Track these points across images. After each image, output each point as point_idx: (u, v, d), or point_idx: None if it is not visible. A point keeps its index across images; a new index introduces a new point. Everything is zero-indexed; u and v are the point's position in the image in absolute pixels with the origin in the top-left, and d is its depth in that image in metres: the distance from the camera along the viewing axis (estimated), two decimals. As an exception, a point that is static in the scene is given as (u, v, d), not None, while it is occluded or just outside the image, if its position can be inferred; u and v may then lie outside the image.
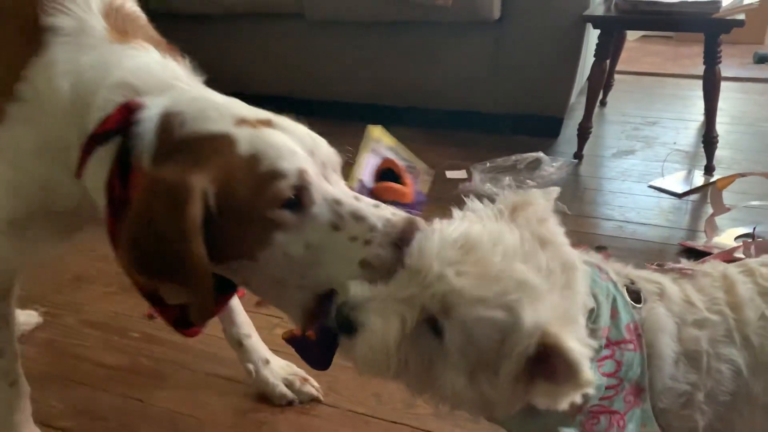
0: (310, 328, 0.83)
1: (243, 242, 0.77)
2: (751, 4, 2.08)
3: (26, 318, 1.45)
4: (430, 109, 2.66)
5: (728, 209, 1.83)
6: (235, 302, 1.23)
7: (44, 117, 0.85)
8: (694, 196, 2.05)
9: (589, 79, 2.33)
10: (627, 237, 1.81)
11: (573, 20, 2.31)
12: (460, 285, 0.63)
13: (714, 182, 1.94)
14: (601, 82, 2.33)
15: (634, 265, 0.83)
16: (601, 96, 2.84)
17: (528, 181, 2.12)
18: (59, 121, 0.84)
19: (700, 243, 1.74)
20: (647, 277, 0.79)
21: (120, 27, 0.88)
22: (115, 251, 0.83)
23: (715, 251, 1.64)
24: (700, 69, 2.16)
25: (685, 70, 3.59)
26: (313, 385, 1.25)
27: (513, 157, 2.24)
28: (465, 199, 0.76)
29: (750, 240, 1.67)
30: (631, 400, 0.72)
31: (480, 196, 0.77)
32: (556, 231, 0.72)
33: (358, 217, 0.77)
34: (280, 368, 1.26)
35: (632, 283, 0.77)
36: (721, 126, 2.23)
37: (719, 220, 1.82)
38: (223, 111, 0.80)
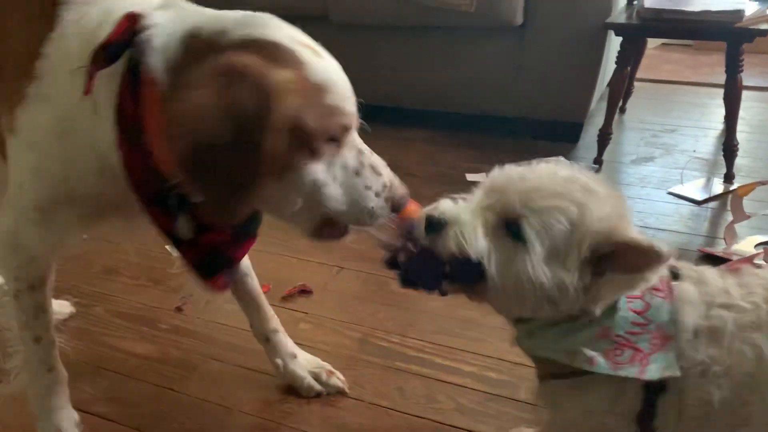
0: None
1: (279, 160, 0.77)
2: (775, 13, 2.10)
3: (59, 308, 1.49)
4: (452, 112, 2.69)
5: (748, 217, 1.84)
6: (262, 298, 1.27)
7: (59, 87, 0.85)
8: (713, 204, 2.07)
9: (609, 85, 2.35)
10: (646, 242, 1.82)
11: (595, 27, 2.33)
12: (539, 183, 0.77)
13: (734, 189, 1.95)
14: (621, 89, 2.34)
15: None
16: (620, 103, 2.85)
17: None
18: (75, 85, 0.82)
19: (719, 250, 1.75)
20: (690, 266, 0.85)
21: None
22: (156, 148, 0.80)
23: (735, 258, 1.65)
24: (720, 77, 2.17)
25: (704, 78, 3.59)
26: (339, 378, 1.28)
27: (533, 162, 2.26)
28: None
29: (769, 247, 1.68)
30: (657, 343, 0.77)
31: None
32: None
33: (375, 172, 0.87)
34: (306, 361, 1.29)
35: (674, 266, 0.83)
36: (740, 134, 2.24)
37: (739, 227, 1.83)
38: (271, 23, 0.81)
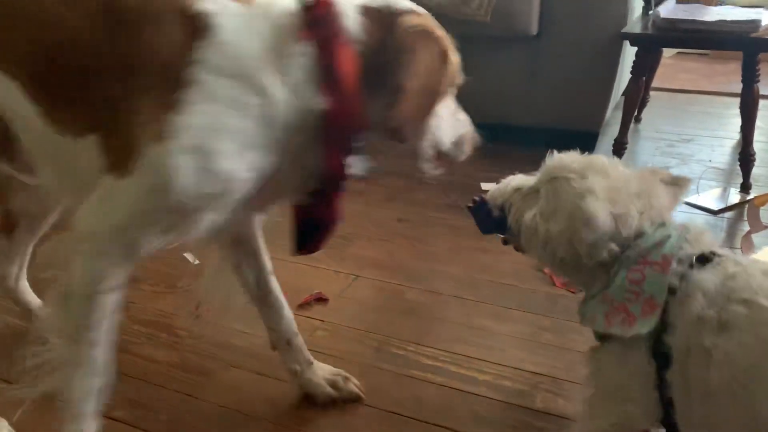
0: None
1: (444, 94, 1.08)
2: (791, 23, 2.09)
3: None
4: (466, 121, 2.70)
5: (765, 227, 1.84)
6: (283, 299, 1.29)
7: (220, 87, 0.89)
8: (729, 214, 2.06)
9: (625, 95, 2.35)
10: (662, 252, 1.82)
11: (610, 37, 2.33)
12: (563, 163, 1.01)
13: (751, 199, 1.95)
14: (637, 99, 2.35)
15: None
16: (636, 112, 2.85)
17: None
18: (251, 71, 0.90)
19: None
20: (738, 260, 0.89)
21: None
22: (353, 98, 0.95)
23: None
24: (736, 86, 2.17)
25: (720, 88, 3.58)
26: (355, 384, 1.29)
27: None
28: None
29: (787, 258, 1.68)
30: (646, 309, 0.88)
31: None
32: None
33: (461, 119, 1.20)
34: (321, 369, 1.31)
35: (715, 255, 0.90)
36: (757, 144, 2.24)
37: (756, 237, 1.82)
38: None
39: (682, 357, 0.85)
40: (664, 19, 2.20)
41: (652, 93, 3.11)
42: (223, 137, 0.89)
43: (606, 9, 2.36)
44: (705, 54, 4.34)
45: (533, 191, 1.02)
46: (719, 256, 0.89)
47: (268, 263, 1.28)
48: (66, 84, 0.94)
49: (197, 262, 1.80)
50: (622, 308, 0.90)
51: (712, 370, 0.81)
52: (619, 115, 2.35)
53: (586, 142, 2.57)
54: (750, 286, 0.83)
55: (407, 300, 1.61)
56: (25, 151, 1.05)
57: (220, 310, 1.48)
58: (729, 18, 2.11)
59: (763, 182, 2.28)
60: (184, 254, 1.80)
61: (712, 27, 2.11)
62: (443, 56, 1.02)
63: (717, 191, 2.21)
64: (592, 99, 2.48)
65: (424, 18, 1.04)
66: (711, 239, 0.96)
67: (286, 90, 0.92)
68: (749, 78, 2.10)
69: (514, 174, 1.09)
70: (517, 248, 1.08)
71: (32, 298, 1.46)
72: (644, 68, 2.29)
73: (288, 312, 1.29)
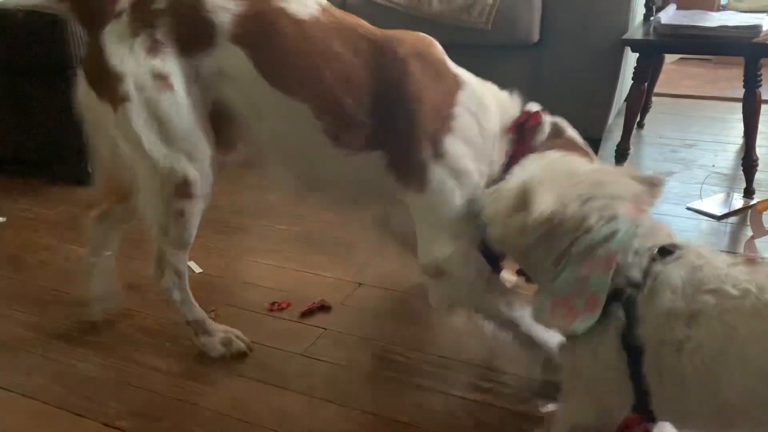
0: None
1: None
2: (793, 28, 2.09)
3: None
4: (469, 128, 2.71)
5: (768, 232, 1.83)
6: None
7: (471, 124, 1.23)
8: (732, 219, 2.06)
9: (627, 101, 2.36)
10: (665, 258, 1.82)
11: (612, 43, 2.34)
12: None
13: (754, 205, 1.95)
14: (639, 105, 2.35)
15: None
16: (638, 118, 2.85)
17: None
18: (489, 122, 1.25)
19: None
20: (698, 251, 0.90)
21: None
22: None
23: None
24: (739, 91, 2.17)
25: (724, 93, 3.58)
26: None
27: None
28: None
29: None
30: (589, 306, 0.91)
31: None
32: None
33: None
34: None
35: (675, 247, 0.91)
36: (760, 149, 2.24)
37: (759, 242, 1.82)
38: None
39: (655, 348, 0.87)
40: (665, 25, 2.20)
41: (655, 98, 3.11)
42: (469, 158, 1.23)
43: (607, 15, 2.36)
44: (708, 59, 4.34)
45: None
46: (680, 248, 0.91)
47: None
48: (351, 108, 1.21)
49: (200, 270, 1.81)
50: (565, 303, 0.93)
51: (683, 359, 0.83)
52: (622, 121, 2.36)
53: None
54: (717, 276, 0.85)
55: (410, 308, 1.61)
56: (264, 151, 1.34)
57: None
58: (730, 24, 2.11)
59: (766, 187, 2.28)
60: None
61: (714, 33, 2.11)
62: None
63: (720, 196, 2.21)
64: (595, 105, 2.48)
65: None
66: (668, 232, 0.97)
67: (494, 151, 1.26)
68: (751, 83, 2.10)
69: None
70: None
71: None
72: (646, 74, 2.30)
73: None
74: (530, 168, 1.04)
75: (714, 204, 2.14)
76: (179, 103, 1.20)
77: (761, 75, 2.09)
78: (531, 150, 1.23)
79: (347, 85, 1.20)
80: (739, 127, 2.31)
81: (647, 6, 2.61)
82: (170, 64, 1.20)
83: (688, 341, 0.83)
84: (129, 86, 1.19)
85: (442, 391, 1.32)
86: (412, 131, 1.20)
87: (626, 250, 0.91)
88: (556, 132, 1.31)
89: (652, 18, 2.52)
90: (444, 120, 1.20)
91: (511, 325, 1.28)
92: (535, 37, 2.42)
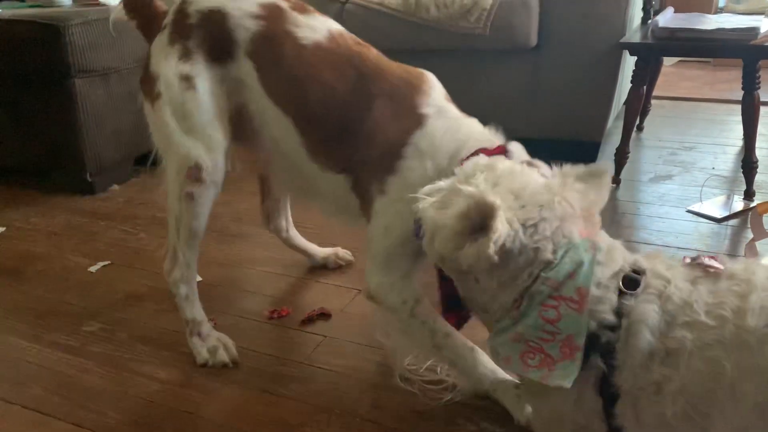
0: None
1: None
2: (790, 30, 2.09)
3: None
4: (468, 133, 2.71)
5: (769, 234, 1.83)
6: None
7: (420, 168, 1.25)
8: (733, 221, 2.05)
9: (626, 104, 2.36)
10: (666, 261, 1.82)
11: (610, 47, 2.34)
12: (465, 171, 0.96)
13: (754, 207, 1.94)
14: (638, 108, 2.35)
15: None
16: (638, 121, 2.85)
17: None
18: (440, 161, 1.24)
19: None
20: (658, 272, 0.84)
21: (449, 99, 1.37)
22: None
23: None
24: (738, 94, 2.17)
25: (723, 95, 3.58)
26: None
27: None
28: None
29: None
30: (566, 351, 0.82)
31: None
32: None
33: None
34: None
35: (636, 272, 0.84)
36: (760, 151, 2.23)
37: (760, 245, 1.81)
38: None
39: (632, 393, 0.81)
40: (662, 28, 2.20)
41: (654, 101, 3.11)
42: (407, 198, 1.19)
43: (605, 19, 2.36)
44: (707, 61, 4.35)
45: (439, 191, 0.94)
46: (641, 272, 0.84)
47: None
48: (322, 130, 1.33)
49: (200, 278, 1.80)
50: (538, 349, 0.83)
51: (665, 401, 0.78)
52: (621, 124, 2.35)
53: (589, 152, 2.57)
54: (687, 304, 0.79)
55: (410, 314, 1.60)
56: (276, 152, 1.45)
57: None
58: (727, 26, 2.11)
59: (766, 189, 2.28)
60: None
61: (711, 35, 2.11)
62: None
63: (720, 199, 2.20)
64: (594, 109, 2.48)
65: None
66: (622, 251, 0.90)
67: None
68: (749, 85, 2.10)
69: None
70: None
71: (303, 241, 1.87)
72: (644, 77, 2.30)
73: None
74: (477, 180, 0.90)
75: (714, 207, 2.14)
76: (200, 101, 1.37)
77: (760, 77, 2.09)
78: None
79: (323, 108, 1.32)
80: (739, 129, 2.31)
81: (645, 9, 2.61)
82: (197, 69, 1.37)
83: (667, 382, 0.77)
84: (161, 85, 1.38)
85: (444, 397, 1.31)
86: (364, 164, 1.31)
87: (591, 283, 0.83)
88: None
89: (649, 21, 2.52)
90: (392, 158, 1.26)
91: (442, 355, 1.29)
92: (533, 41, 2.42)
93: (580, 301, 0.82)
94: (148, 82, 1.43)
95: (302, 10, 1.40)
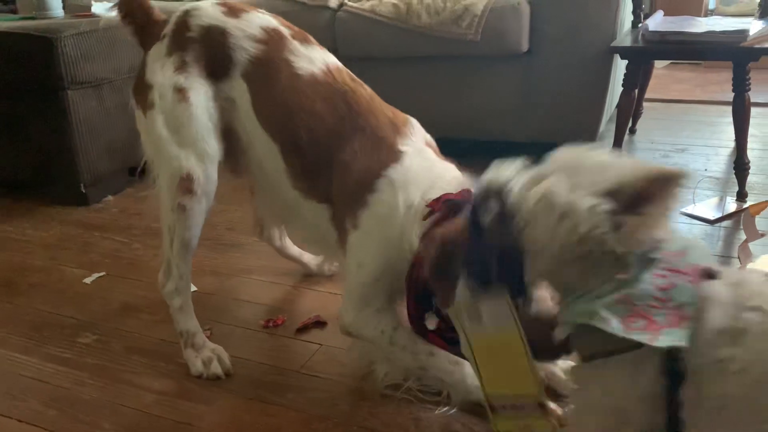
0: None
1: None
2: (779, 32, 2.11)
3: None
4: (462, 139, 2.71)
5: (762, 235, 1.83)
6: None
7: (392, 202, 1.28)
8: (726, 223, 2.06)
9: (618, 107, 2.37)
10: (660, 264, 1.82)
11: (601, 51, 2.35)
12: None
13: (746, 208, 1.95)
14: (630, 111, 2.36)
15: None
16: (630, 124, 2.86)
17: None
18: (411, 197, 1.27)
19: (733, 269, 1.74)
20: (733, 271, 0.88)
21: (431, 146, 1.40)
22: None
23: None
24: (729, 95, 2.18)
25: (714, 97, 3.60)
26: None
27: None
28: None
29: (784, 266, 1.67)
30: (673, 320, 0.80)
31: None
32: None
33: None
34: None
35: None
36: (752, 152, 2.24)
37: (753, 246, 1.82)
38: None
39: (697, 373, 0.80)
40: (652, 32, 2.21)
41: (646, 104, 3.12)
42: (378, 233, 1.29)
43: (596, 24, 2.38)
44: (698, 63, 4.37)
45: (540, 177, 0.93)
46: (716, 270, 0.86)
47: None
48: (307, 159, 1.36)
49: (194, 288, 1.80)
50: (642, 314, 0.81)
51: (727, 382, 0.77)
52: (613, 127, 2.36)
53: (581, 156, 2.58)
54: (760, 293, 0.80)
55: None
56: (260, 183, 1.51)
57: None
58: (717, 29, 2.13)
59: (759, 190, 2.28)
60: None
61: (701, 38, 2.12)
62: None
63: (713, 200, 2.21)
64: (586, 113, 2.49)
65: None
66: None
67: (414, 223, 1.25)
68: (740, 87, 2.11)
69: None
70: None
71: (297, 250, 1.85)
72: (635, 81, 2.31)
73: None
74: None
75: (707, 208, 2.15)
76: (192, 113, 1.38)
77: (750, 78, 2.10)
78: (450, 224, 1.14)
79: (311, 138, 1.35)
80: (730, 131, 2.31)
81: (635, 13, 2.62)
82: (191, 82, 1.38)
83: (731, 361, 0.77)
84: (155, 95, 1.39)
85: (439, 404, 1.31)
86: (340, 196, 1.34)
87: (693, 257, 0.86)
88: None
89: (640, 25, 2.53)
90: (365, 190, 1.29)
91: (428, 374, 1.30)
92: (525, 46, 2.43)
93: (693, 275, 0.83)
94: (141, 91, 1.43)
95: (303, 40, 1.42)
